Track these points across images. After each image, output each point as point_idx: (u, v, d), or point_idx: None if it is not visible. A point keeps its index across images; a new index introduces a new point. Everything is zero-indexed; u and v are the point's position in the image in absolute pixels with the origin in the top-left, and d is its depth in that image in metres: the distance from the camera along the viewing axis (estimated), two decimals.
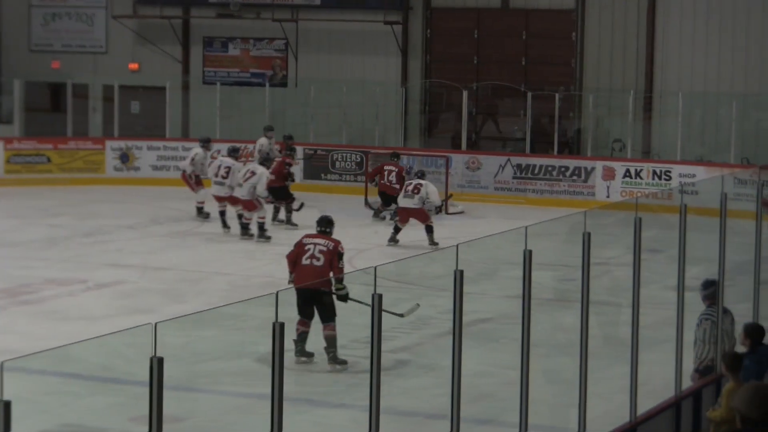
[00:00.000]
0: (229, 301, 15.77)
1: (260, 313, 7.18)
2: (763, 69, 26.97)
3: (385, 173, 24.19)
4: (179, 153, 28.79)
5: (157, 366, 6.07)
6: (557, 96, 27.34)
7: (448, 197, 24.76)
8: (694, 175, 24.89)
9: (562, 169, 26.43)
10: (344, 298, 13.44)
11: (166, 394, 6.15)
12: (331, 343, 13.33)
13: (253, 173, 21.90)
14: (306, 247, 13.99)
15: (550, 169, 26.49)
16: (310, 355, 13.60)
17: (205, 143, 24.37)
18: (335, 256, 13.90)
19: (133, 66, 31.91)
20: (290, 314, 6.92)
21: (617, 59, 28.10)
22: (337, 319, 13.42)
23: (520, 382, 8.99)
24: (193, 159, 24.07)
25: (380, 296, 7.46)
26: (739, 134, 26.21)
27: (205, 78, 31.49)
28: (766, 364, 10.26)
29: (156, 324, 6.00)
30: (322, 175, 28.09)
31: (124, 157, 28.85)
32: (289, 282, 14.03)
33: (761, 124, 26.79)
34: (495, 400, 11.97)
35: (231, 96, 30.45)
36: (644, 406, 10.69)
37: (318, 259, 13.88)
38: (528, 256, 8.81)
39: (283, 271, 18.98)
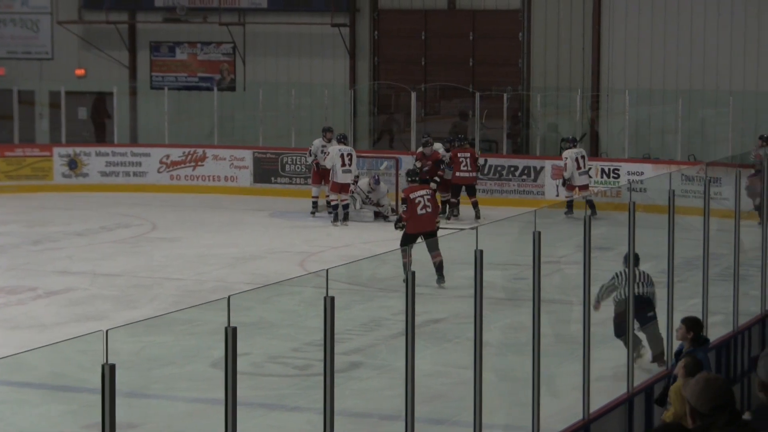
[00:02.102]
0: (181, 307, 15.72)
1: (213, 318, 7.17)
2: (708, 66, 27.20)
3: (461, 162, 24.41)
4: (128, 159, 28.67)
5: (109, 373, 6.06)
6: (505, 96, 27.45)
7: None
8: (642, 173, 25.07)
9: (512, 168, 26.52)
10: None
11: (119, 400, 6.13)
12: (440, 266, 16.92)
13: None
14: (416, 200, 18.01)
15: (499, 168, 26.58)
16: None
17: (325, 132, 25.11)
18: (435, 198, 18.51)
19: (80, 72, 31.72)
20: (243, 319, 6.91)
21: (564, 58, 28.26)
22: (290, 322, 13.51)
23: (474, 381, 9.02)
24: (310, 150, 25.15)
25: (332, 299, 7.47)
26: (686, 131, 26.43)
27: (153, 83, 31.37)
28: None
29: (107, 331, 5.98)
30: (272, 178, 28.05)
31: (72, 164, 28.67)
32: (398, 227, 18.28)
33: (707, 120, 27.03)
34: (449, 400, 12.00)
35: (179, 100, 30.35)
36: (597, 403, 10.76)
37: (429, 207, 18.09)
38: (479, 255, 8.84)
39: (235, 275, 19.01)
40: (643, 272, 12.51)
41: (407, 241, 17.98)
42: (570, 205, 23.78)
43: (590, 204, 23.91)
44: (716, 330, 13.04)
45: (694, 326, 10.48)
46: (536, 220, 9.72)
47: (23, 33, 32.06)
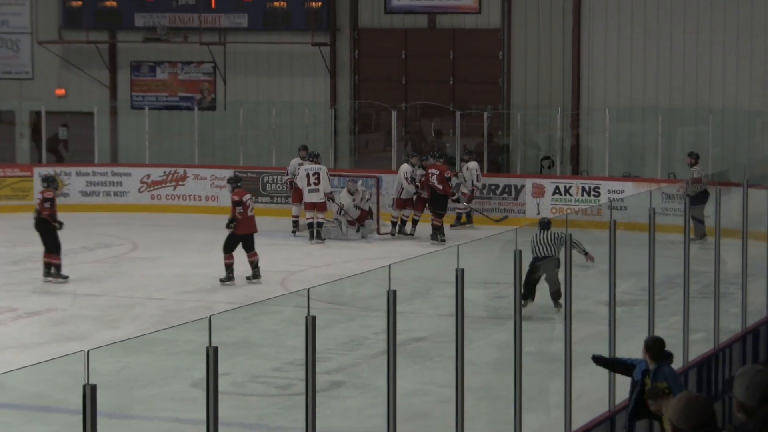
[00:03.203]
0: (162, 327, 15.69)
1: (194, 338, 7.16)
2: (687, 84, 27.31)
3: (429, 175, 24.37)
4: (108, 178, 28.61)
5: (90, 393, 6.04)
6: (485, 115, 27.50)
7: (501, 219, 25.56)
8: (622, 191, 25.14)
9: (492, 187, 26.55)
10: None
11: (100, 421, 6.12)
12: (255, 264, 19.74)
13: None
14: (247, 203, 19.98)
15: (480, 187, 26.58)
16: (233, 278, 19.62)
17: (300, 150, 25.40)
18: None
19: (60, 91, 31.66)
20: (224, 339, 6.90)
21: (544, 77, 28.33)
22: (271, 342, 13.51)
23: (456, 399, 9.02)
24: (288, 170, 25.55)
25: (314, 318, 7.46)
26: (666, 149, 26.51)
27: (133, 102, 31.33)
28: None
29: (88, 351, 5.97)
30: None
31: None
32: (230, 227, 19.82)
33: (686, 138, 27.11)
34: (431, 419, 12.00)
35: (160, 120, 30.31)
36: (579, 420, 10.77)
37: (253, 209, 20.18)
38: (460, 274, 8.85)
39: (216, 294, 18.98)
40: (554, 233, 15.70)
41: (234, 242, 19.70)
42: (459, 218, 25.55)
43: (468, 216, 25.20)
44: (697, 348, 13.07)
45: (653, 346, 10.31)
46: (517, 239, 9.74)
47: (3, 53, 31.98)
